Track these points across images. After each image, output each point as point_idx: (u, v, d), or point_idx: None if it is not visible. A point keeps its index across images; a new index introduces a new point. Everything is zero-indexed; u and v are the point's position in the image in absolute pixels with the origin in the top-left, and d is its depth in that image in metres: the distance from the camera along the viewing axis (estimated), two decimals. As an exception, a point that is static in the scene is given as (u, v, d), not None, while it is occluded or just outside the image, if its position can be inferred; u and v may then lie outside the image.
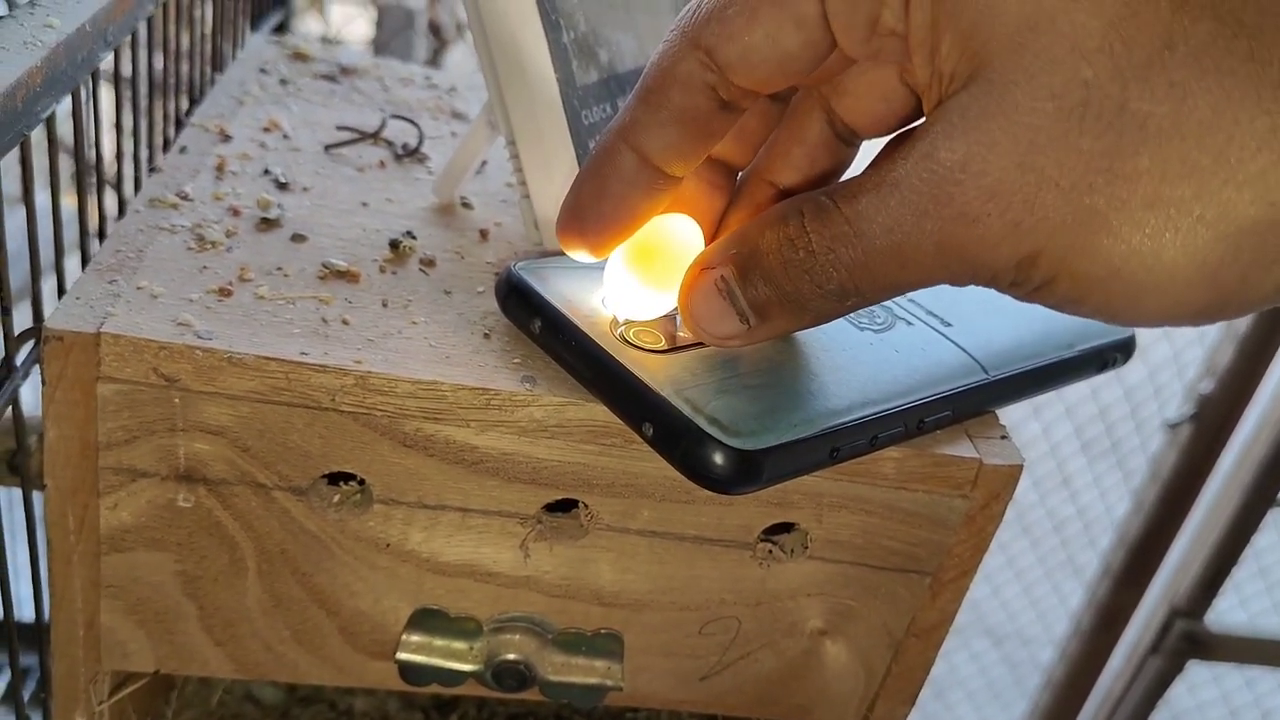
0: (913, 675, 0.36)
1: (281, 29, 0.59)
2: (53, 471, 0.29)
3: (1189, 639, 1.22)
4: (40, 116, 0.28)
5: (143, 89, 0.39)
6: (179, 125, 0.44)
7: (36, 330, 0.31)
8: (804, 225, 0.24)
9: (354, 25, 1.37)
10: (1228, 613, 1.32)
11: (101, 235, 0.38)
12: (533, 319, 0.31)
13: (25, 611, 0.42)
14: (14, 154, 0.28)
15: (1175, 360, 1.25)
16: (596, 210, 0.27)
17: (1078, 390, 1.27)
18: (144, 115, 0.39)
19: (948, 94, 0.23)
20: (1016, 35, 0.22)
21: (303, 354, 0.29)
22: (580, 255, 0.28)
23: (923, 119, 0.24)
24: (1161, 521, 1.18)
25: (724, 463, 0.27)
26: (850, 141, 0.29)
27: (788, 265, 0.25)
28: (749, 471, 0.27)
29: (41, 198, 0.33)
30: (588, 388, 0.30)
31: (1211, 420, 1.11)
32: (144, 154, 0.40)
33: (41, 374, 0.28)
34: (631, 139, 0.26)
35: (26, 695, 0.39)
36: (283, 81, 0.45)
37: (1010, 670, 1.54)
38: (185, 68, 0.43)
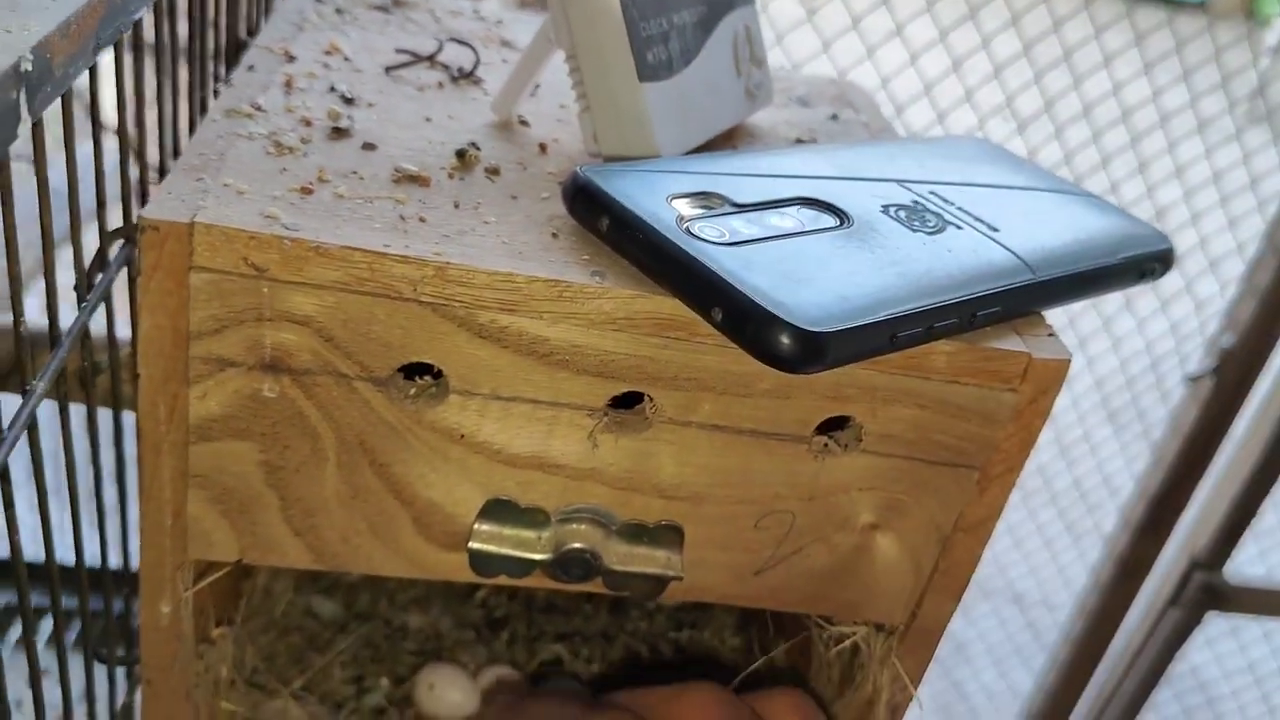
0: (959, 571, 0.38)
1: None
2: (146, 361, 0.31)
3: (1208, 590, 1.23)
4: (135, 15, 0.29)
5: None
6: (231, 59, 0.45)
7: (128, 229, 0.32)
8: None
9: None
10: (1247, 565, 1.34)
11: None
12: (600, 217, 0.32)
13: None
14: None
15: (1197, 314, 1.26)
16: None
17: (1098, 344, 1.28)
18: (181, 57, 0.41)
19: None
20: None
21: (385, 245, 0.30)
22: None
23: None
24: (1181, 474, 1.19)
25: (791, 343, 0.28)
26: None
27: None
28: (815, 352, 0.28)
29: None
30: (656, 279, 0.31)
31: (1232, 374, 1.12)
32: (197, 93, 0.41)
33: (131, 271, 0.29)
34: None
35: (70, 639, 0.40)
36: (338, 10, 0.46)
37: (1035, 637, 1.55)
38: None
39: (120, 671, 0.43)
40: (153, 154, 0.40)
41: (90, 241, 0.33)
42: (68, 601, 0.60)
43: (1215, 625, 1.34)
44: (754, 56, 0.44)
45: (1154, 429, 1.31)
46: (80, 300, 0.30)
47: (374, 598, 0.53)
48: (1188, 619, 1.25)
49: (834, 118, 0.48)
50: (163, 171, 0.37)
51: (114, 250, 0.32)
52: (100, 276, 0.31)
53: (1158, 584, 1.28)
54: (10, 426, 0.26)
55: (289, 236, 0.29)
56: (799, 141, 0.44)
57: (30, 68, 0.22)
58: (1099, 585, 1.29)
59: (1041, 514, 1.55)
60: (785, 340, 0.28)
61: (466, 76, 0.42)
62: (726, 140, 0.42)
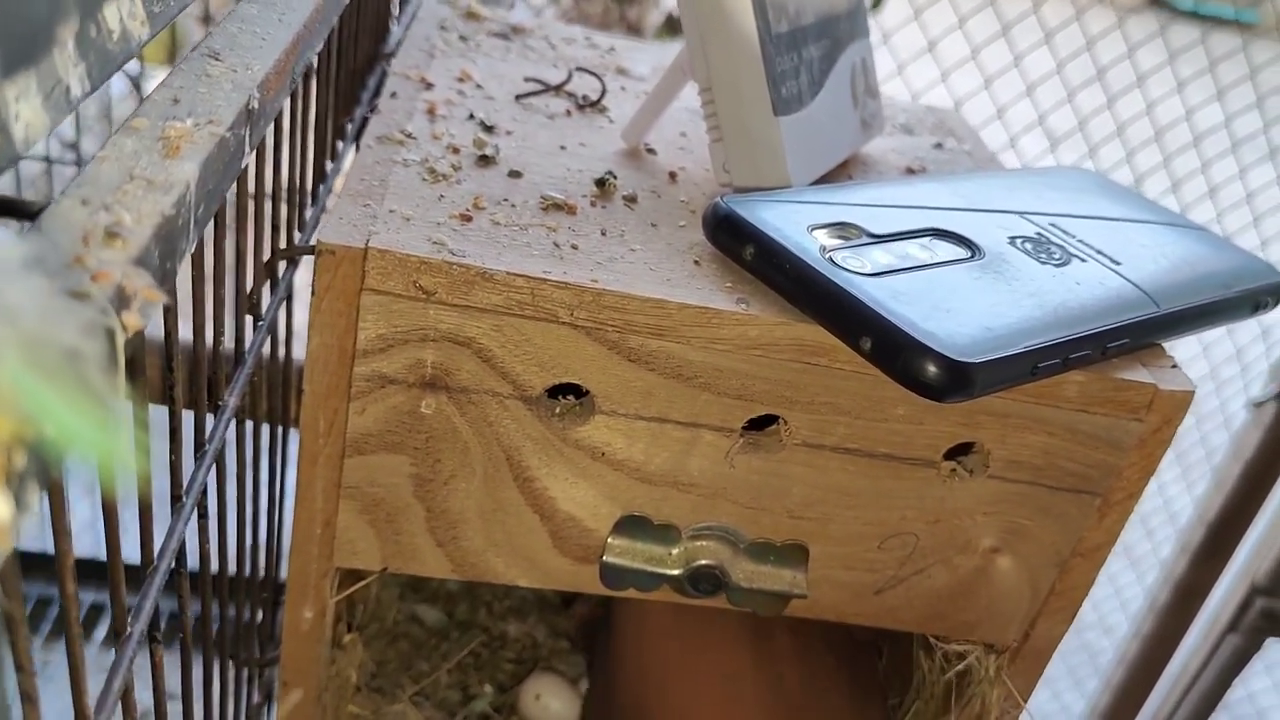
0: (1074, 594, 0.39)
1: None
2: (311, 377, 0.32)
3: (1268, 617, 1.22)
4: (315, 50, 0.31)
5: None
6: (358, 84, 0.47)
7: (290, 250, 0.34)
8: None
9: None
10: (1309, 592, 1.32)
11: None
12: (745, 246, 0.33)
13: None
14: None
15: (1264, 338, 1.25)
16: None
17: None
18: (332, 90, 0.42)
19: None
20: None
21: (545, 272, 0.31)
22: None
23: None
24: (1242, 499, 1.19)
25: (940, 373, 0.29)
26: None
27: None
28: (963, 381, 0.29)
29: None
30: (802, 308, 0.32)
31: (1296, 400, 1.11)
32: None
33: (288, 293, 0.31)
34: None
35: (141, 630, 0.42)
36: (462, 38, 0.48)
37: (1090, 659, 1.54)
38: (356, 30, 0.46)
39: (245, 674, 0.45)
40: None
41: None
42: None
43: (1275, 652, 1.33)
44: (869, 88, 0.45)
45: (1216, 455, 1.30)
46: (256, 319, 0.32)
47: (472, 606, 0.55)
48: (1247, 645, 1.24)
49: (938, 146, 0.49)
50: (300, 196, 0.38)
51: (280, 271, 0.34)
52: (269, 297, 0.33)
53: (1216, 609, 1.27)
54: (209, 440, 0.27)
55: (457, 262, 0.31)
56: (910, 170, 0.46)
57: (256, 105, 0.24)
58: (1155, 609, 1.28)
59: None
60: (935, 370, 0.29)
61: (593, 105, 0.44)
62: (844, 169, 0.44)
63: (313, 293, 0.31)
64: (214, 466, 0.29)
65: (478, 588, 0.56)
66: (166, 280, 0.20)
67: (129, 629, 0.24)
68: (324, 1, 0.31)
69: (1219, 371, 1.26)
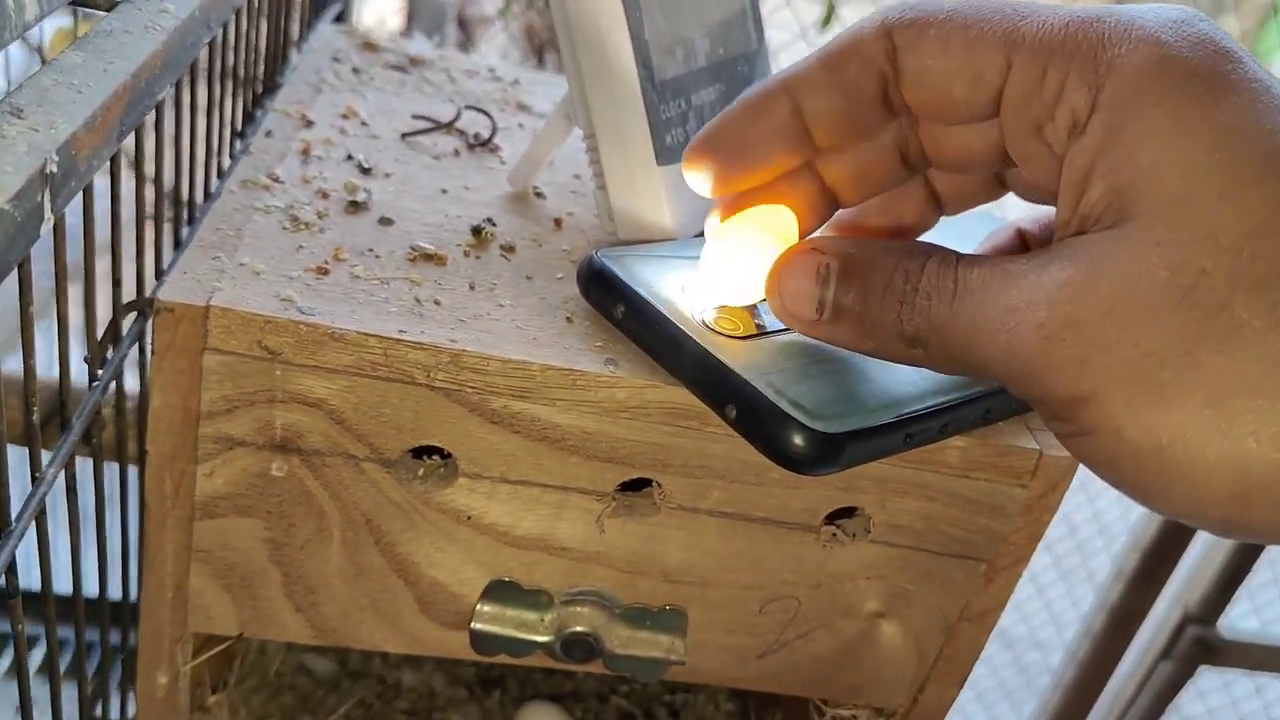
0: (964, 659, 0.38)
1: (340, 19, 0.60)
2: (155, 438, 0.31)
3: (1201, 644, 1.23)
4: (157, 98, 0.29)
5: (216, 80, 0.40)
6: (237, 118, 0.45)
7: (140, 302, 0.32)
8: (924, 266, 0.26)
9: (389, 20, 1.38)
10: (1240, 619, 1.33)
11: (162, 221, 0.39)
12: (616, 304, 0.32)
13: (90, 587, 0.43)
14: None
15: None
16: (734, 144, 0.29)
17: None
18: (204, 109, 0.41)
19: (1084, 230, 0.24)
20: (1163, 204, 0.22)
21: (400, 331, 0.30)
22: (697, 181, 0.29)
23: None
24: (1176, 526, 1.19)
25: (806, 445, 0.28)
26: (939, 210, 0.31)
27: (888, 289, 0.26)
28: (829, 454, 0.28)
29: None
30: (670, 371, 0.31)
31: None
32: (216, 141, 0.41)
33: (147, 345, 0.29)
34: (795, 92, 0.28)
35: (90, 669, 0.40)
36: (355, 70, 0.46)
37: (1020, 673, 1.55)
38: (250, 59, 0.44)
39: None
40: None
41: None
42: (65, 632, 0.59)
43: (1208, 678, 1.34)
44: (769, 131, 0.44)
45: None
46: (92, 377, 0.30)
47: (367, 655, 0.53)
48: (1180, 672, 1.25)
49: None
50: (176, 239, 0.36)
51: (127, 323, 0.32)
52: (111, 351, 0.31)
53: (1150, 635, 1.27)
54: (17, 520, 0.26)
55: (305, 321, 0.29)
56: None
57: (55, 169, 0.22)
58: (1091, 634, 1.28)
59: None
60: (800, 442, 0.28)
61: (484, 144, 0.43)
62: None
63: (152, 352, 0.30)
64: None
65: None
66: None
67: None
68: (169, 42, 0.29)
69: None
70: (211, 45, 0.38)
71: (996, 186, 0.30)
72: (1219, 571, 1.19)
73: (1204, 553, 1.20)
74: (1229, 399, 0.21)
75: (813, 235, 0.30)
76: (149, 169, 0.35)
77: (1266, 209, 0.22)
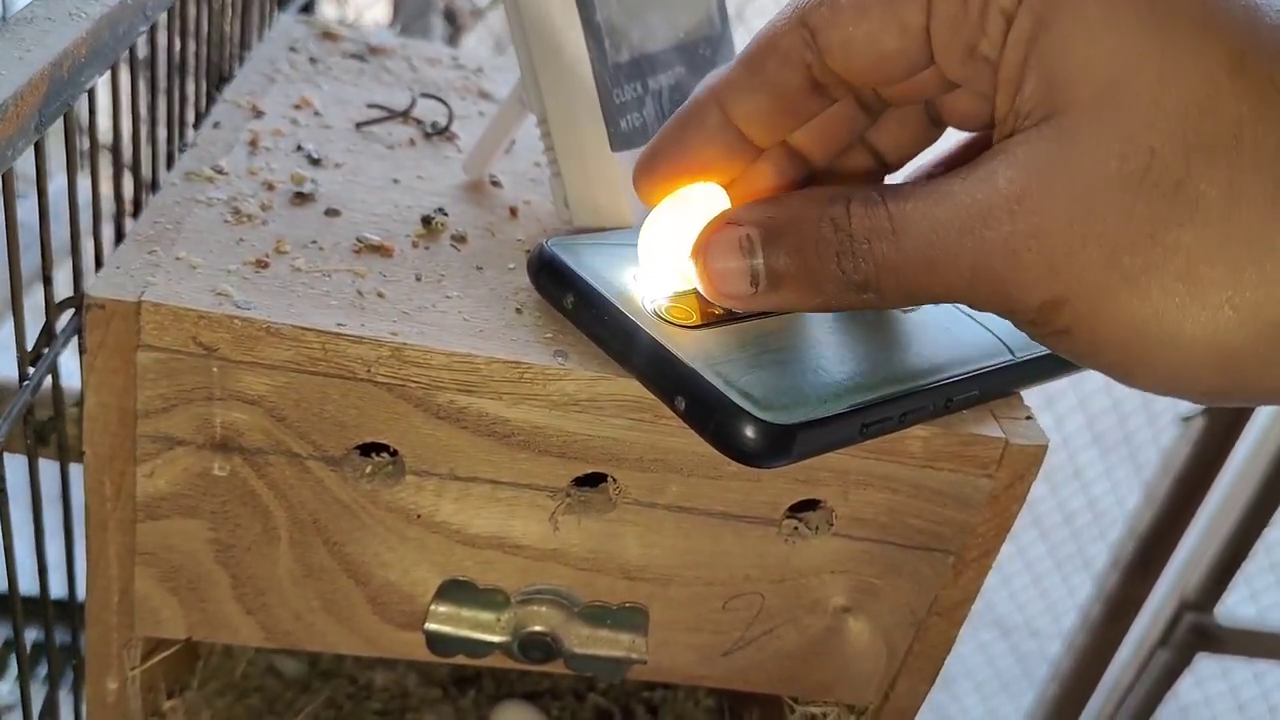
0: (934, 654, 0.37)
1: (307, 9, 0.59)
2: (91, 439, 0.30)
3: (1198, 632, 1.22)
4: (84, 87, 0.28)
5: (162, 69, 0.39)
6: (202, 106, 0.44)
7: (77, 299, 0.31)
8: (849, 210, 0.25)
9: (372, 10, 1.37)
10: (1237, 606, 1.32)
11: (121, 214, 0.38)
12: (565, 294, 0.31)
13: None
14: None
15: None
16: (673, 160, 0.28)
17: (1092, 382, 1.27)
18: (162, 95, 0.40)
19: (1019, 129, 0.23)
20: (1100, 92, 0.22)
21: (339, 325, 0.29)
22: (650, 201, 0.29)
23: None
24: (1173, 514, 1.18)
25: (756, 436, 0.27)
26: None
27: (820, 244, 0.25)
28: (780, 446, 0.27)
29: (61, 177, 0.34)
30: (620, 362, 0.30)
31: (1225, 414, 1.11)
32: (162, 134, 0.40)
33: (82, 343, 0.29)
34: (722, 98, 0.27)
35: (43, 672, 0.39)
36: (312, 60, 0.45)
37: (1018, 661, 1.54)
38: (205, 49, 0.43)
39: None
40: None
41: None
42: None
43: (1206, 666, 1.33)
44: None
45: (1139, 452, 1.30)
46: (22, 375, 0.29)
47: (339, 655, 0.52)
48: (1178, 660, 1.24)
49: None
50: (119, 233, 0.36)
51: (62, 320, 0.31)
52: (47, 351, 0.30)
53: (1148, 623, 1.27)
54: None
55: (240, 316, 0.28)
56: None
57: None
58: (1088, 623, 1.28)
59: (1022, 536, 1.54)
60: (750, 433, 0.27)
61: (440, 133, 0.42)
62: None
63: (83, 350, 0.29)
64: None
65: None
66: None
67: None
68: (95, 30, 0.28)
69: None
70: (156, 33, 0.37)
71: (931, 128, 0.30)
72: (1215, 559, 1.18)
73: (1200, 540, 1.19)
74: (1199, 272, 0.21)
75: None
76: (103, 162, 0.34)
77: (1206, 84, 0.21)
